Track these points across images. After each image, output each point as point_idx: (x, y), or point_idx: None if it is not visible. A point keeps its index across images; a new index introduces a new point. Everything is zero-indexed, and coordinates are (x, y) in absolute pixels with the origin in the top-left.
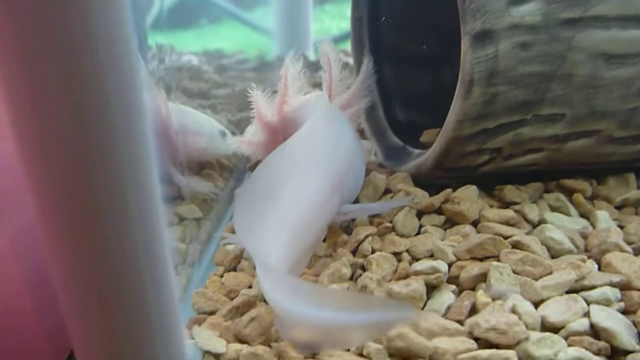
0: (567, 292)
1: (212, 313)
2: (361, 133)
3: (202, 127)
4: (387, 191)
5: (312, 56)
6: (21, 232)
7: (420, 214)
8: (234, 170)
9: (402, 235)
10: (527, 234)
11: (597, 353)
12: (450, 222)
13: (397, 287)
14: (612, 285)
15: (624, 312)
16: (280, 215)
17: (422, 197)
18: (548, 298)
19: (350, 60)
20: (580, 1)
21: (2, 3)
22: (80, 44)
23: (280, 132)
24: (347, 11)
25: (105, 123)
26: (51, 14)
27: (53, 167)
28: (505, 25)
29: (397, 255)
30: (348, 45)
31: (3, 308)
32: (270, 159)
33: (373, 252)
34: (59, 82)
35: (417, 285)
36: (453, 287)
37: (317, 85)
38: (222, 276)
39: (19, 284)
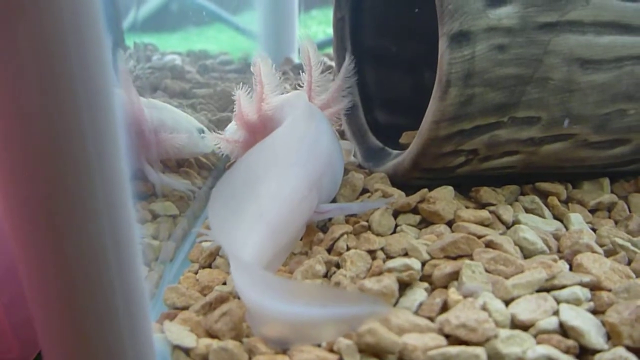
0: (538, 291)
1: (184, 309)
2: (341, 134)
3: (180, 125)
4: (365, 191)
5: (296, 59)
6: None
7: (396, 214)
8: (213, 169)
9: (377, 234)
10: (501, 234)
11: (566, 351)
12: (426, 221)
13: (369, 283)
14: (583, 285)
15: (594, 312)
16: (257, 212)
17: (398, 196)
18: (518, 297)
19: (334, 64)
20: (556, 6)
21: None
22: (50, 45)
23: (259, 131)
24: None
25: (75, 121)
26: (21, 16)
27: (20, 164)
28: (482, 27)
29: (371, 253)
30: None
31: None
32: (248, 156)
33: (348, 249)
34: (29, 81)
35: (388, 281)
36: (426, 284)
37: (301, 87)
38: (196, 273)
39: None
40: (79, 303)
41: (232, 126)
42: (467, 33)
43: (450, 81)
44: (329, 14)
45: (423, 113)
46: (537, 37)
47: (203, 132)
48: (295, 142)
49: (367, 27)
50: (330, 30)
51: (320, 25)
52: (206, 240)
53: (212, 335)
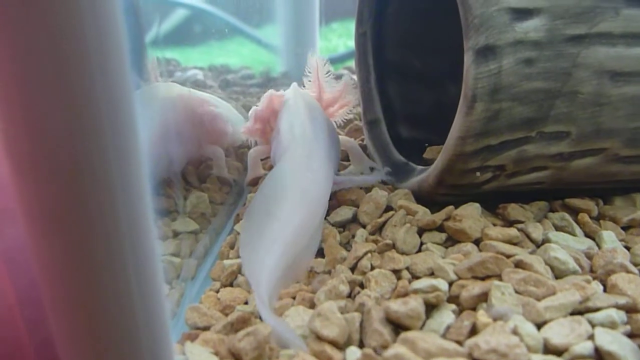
0: (571, 314)
1: (205, 329)
2: (364, 148)
3: (230, 115)
4: (389, 208)
5: None
6: (15, 248)
7: (421, 232)
8: (233, 185)
9: (402, 253)
10: (530, 253)
11: None
12: (452, 240)
13: (395, 305)
14: (618, 307)
15: (630, 335)
16: (299, 190)
17: (423, 214)
18: (551, 319)
19: (356, 78)
20: (585, 18)
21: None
22: (73, 62)
23: (268, 121)
24: (354, 29)
25: (97, 139)
26: (44, 29)
27: (44, 183)
28: (509, 40)
29: (396, 272)
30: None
31: None
32: (271, 175)
33: (372, 269)
34: (53, 99)
35: (415, 304)
36: (453, 306)
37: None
38: (218, 291)
39: (12, 299)
40: (100, 323)
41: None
42: (493, 47)
43: (477, 96)
44: (349, 26)
45: (447, 128)
46: (566, 50)
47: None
48: (297, 126)
49: (389, 42)
50: (351, 43)
51: (340, 38)
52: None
53: (234, 354)
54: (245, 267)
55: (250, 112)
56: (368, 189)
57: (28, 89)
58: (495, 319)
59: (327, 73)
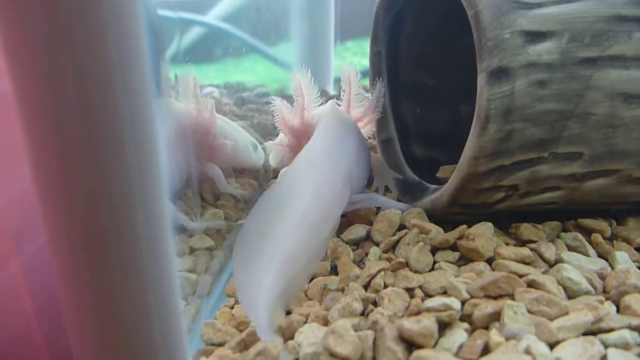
0: (584, 334)
1: (220, 345)
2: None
3: (238, 136)
4: (402, 227)
5: (332, 91)
6: (34, 265)
7: (434, 250)
8: (247, 202)
9: (415, 271)
10: (543, 273)
11: None
12: (465, 259)
13: (408, 323)
14: (631, 328)
15: None
16: (300, 209)
17: (436, 233)
18: (564, 340)
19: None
20: (598, 41)
21: (23, 48)
22: (95, 83)
23: (303, 136)
24: (368, 48)
25: (118, 157)
26: (67, 49)
27: (63, 201)
28: (522, 63)
29: (409, 291)
30: (367, 81)
31: (14, 335)
32: (292, 165)
33: (385, 287)
34: (76, 118)
35: (428, 322)
36: (466, 325)
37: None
38: (232, 307)
39: (31, 315)
40: (119, 338)
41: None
42: (506, 69)
43: (490, 117)
44: (364, 45)
45: (460, 147)
46: (578, 72)
47: (256, 147)
48: (327, 143)
49: (403, 61)
50: (365, 62)
51: (355, 57)
52: None
53: None
54: (239, 292)
55: (280, 125)
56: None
57: (52, 108)
58: (507, 339)
59: (358, 88)
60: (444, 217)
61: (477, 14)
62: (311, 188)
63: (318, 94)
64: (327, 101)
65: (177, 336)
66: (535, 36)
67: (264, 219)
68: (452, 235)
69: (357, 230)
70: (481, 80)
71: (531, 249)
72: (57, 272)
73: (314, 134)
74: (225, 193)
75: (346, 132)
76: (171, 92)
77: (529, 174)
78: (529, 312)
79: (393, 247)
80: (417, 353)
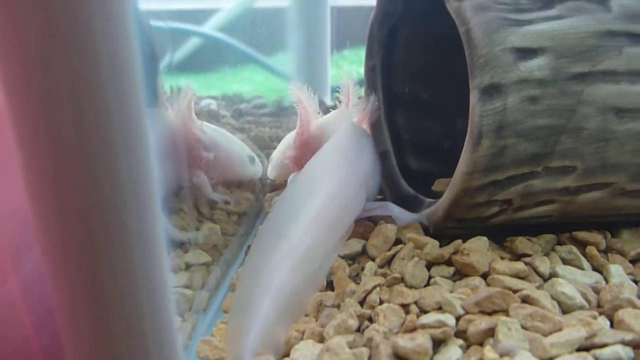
0: (577, 350)
1: None
2: None
3: (233, 148)
4: (398, 241)
5: (329, 101)
6: (31, 279)
7: (429, 265)
8: (244, 216)
9: (411, 287)
10: (537, 287)
11: None
12: (460, 273)
13: (402, 341)
14: (624, 343)
15: None
16: (314, 209)
17: (432, 247)
18: (557, 356)
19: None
20: (588, 56)
21: (13, 52)
22: (87, 85)
23: (307, 148)
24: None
25: (111, 169)
26: (59, 58)
27: (54, 217)
28: (513, 79)
29: (405, 307)
30: (362, 92)
31: (13, 348)
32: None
33: (381, 303)
34: (69, 127)
35: (422, 340)
36: (460, 341)
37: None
38: None
39: (28, 329)
40: (114, 355)
41: (276, 153)
42: (498, 86)
43: (482, 133)
44: (360, 53)
45: (455, 159)
46: (570, 88)
47: (254, 159)
48: (344, 148)
49: (398, 74)
50: (361, 70)
51: (352, 65)
52: None
53: None
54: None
55: (289, 138)
56: (376, 222)
57: (43, 113)
58: (502, 355)
59: (355, 99)
60: (439, 231)
61: (469, 31)
62: (327, 189)
63: (317, 105)
64: (325, 112)
65: (173, 353)
66: (526, 53)
67: (280, 219)
68: (447, 250)
69: (353, 245)
70: (473, 97)
71: (526, 263)
72: (52, 289)
73: (331, 139)
74: (210, 199)
75: (364, 140)
76: (166, 103)
77: (523, 189)
78: (523, 328)
79: (389, 262)
80: None
